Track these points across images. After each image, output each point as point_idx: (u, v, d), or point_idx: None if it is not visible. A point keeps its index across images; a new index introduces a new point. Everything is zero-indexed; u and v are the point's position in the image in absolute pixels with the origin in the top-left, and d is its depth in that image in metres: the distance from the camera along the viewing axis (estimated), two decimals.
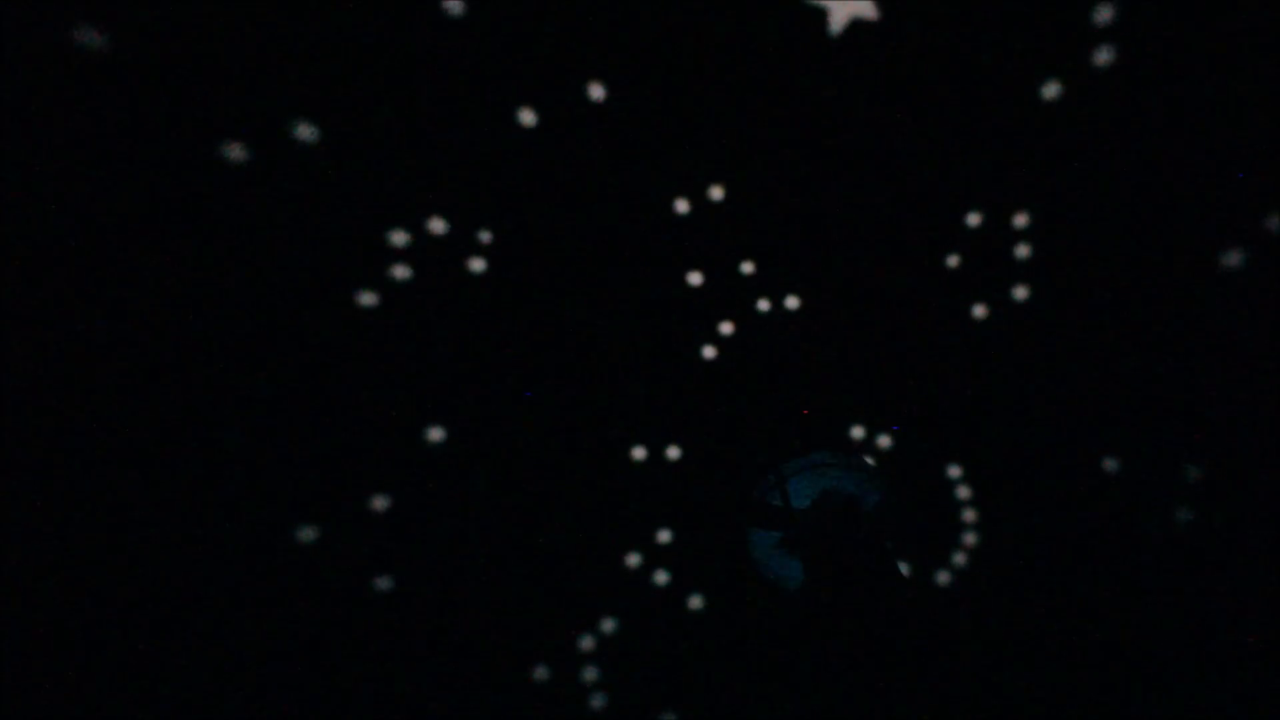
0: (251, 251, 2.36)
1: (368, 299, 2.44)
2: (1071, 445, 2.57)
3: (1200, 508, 2.51)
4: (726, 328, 2.64)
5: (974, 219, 2.54)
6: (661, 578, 2.65)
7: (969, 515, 2.67)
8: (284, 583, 2.44)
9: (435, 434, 2.55)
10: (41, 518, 2.28)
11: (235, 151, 2.27)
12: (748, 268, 2.61)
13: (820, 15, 2.35)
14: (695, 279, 2.59)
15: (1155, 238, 2.49)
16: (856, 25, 2.36)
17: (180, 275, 2.33)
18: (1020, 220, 2.53)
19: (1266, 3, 2.30)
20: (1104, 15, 2.34)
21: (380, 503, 2.51)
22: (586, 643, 2.60)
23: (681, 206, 2.53)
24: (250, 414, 2.42)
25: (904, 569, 2.59)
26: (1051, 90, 2.40)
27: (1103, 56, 2.37)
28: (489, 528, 2.60)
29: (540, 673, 2.57)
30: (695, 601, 2.65)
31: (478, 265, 2.50)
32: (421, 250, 2.45)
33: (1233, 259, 2.45)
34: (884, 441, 2.67)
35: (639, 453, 2.65)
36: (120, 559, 2.34)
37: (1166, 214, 2.48)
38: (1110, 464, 2.57)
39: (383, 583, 2.52)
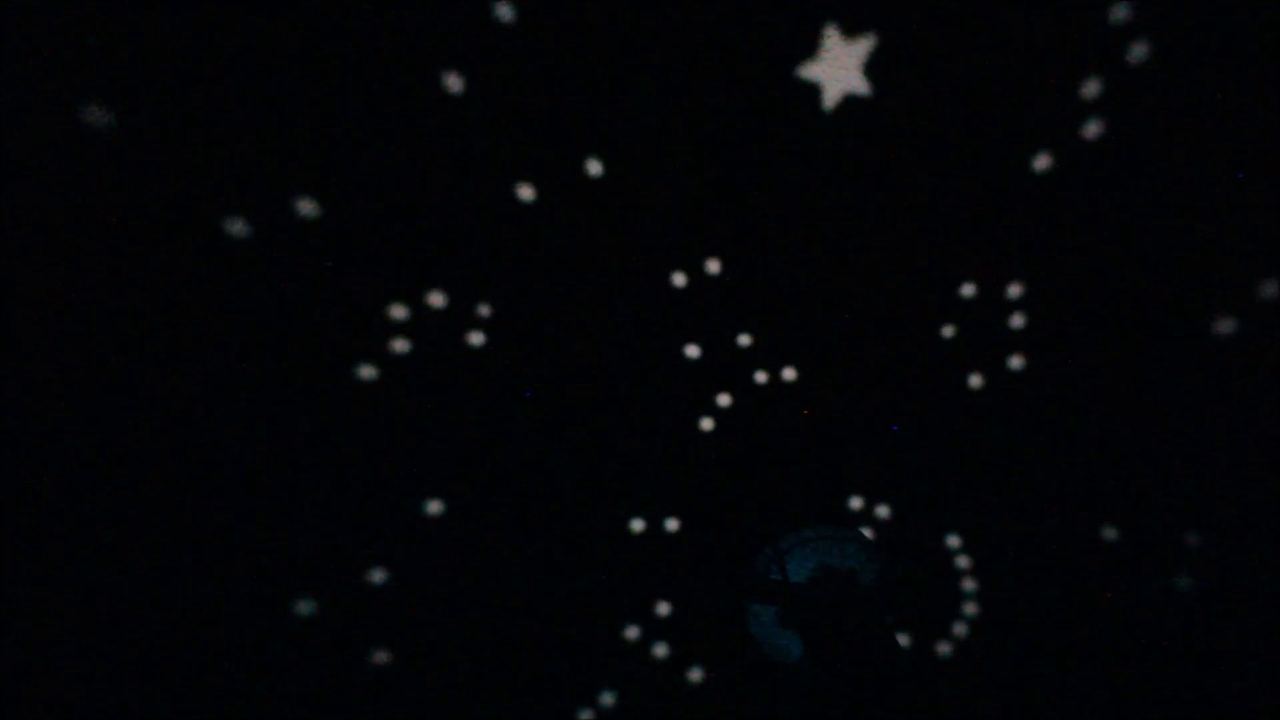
0: (251, 326, 2.38)
1: (367, 372, 2.45)
2: (1071, 516, 2.57)
3: (1201, 578, 2.51)
4: (724, 399, 2.65)
5: (968, 289, 2.56)
6: (660, 651, 2.64)
7: (969, 585, 2.66)
8: (281, 659, 2.44)
9: (434, 507, 2.55)
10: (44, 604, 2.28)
11: (236, 226, 2.29)
12: (745, 340, 2.62)
13: (814, 90, 2.38)
14: (693, 351, 2.61)
15: (1150, 307, 2.51)
16: (850, 100, 2.39)
17: (179, 349, 2.34)
18: (1014, 290, 2.55)
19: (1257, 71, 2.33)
20: (1092, 88, 2.37)
21: (378, 575, 2.51)
22: (586, 715, 2.58)
23: (678, 280, 2.55)
24: (249, 483, 2.43)
25: (903, 642, 2.58)
26: (1042, 162, 2.43)
27: (1092, 128, 2.40)
28: (488, 598, 2.59)
29: None
30: (694, 675, 2.63)
31: (476, 339, 2.51)
32: (420, 324, 2.47)
33: (1227, 326, 2.47)
34: (882, 512, 2.67)
35: (638, 525, 2.65)
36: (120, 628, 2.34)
37: (1159, 283, 2.50)
38: (1109, 533, 2.57)
39: (381, 655, 2.51)
